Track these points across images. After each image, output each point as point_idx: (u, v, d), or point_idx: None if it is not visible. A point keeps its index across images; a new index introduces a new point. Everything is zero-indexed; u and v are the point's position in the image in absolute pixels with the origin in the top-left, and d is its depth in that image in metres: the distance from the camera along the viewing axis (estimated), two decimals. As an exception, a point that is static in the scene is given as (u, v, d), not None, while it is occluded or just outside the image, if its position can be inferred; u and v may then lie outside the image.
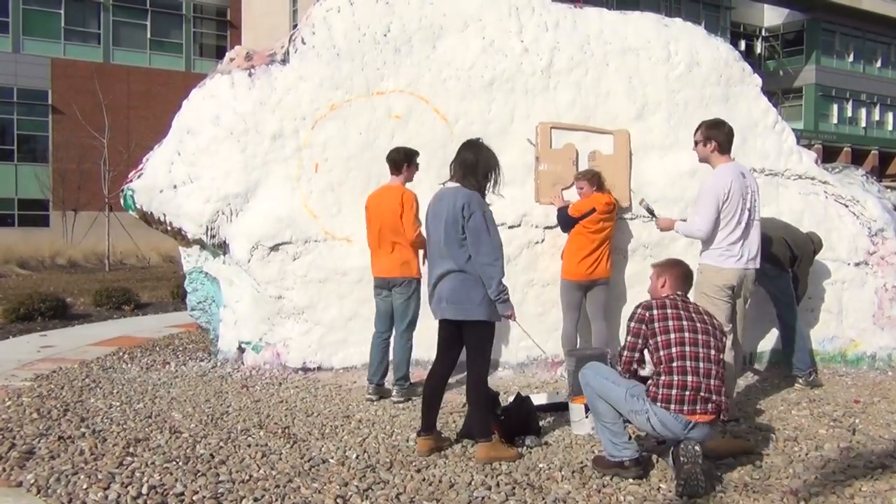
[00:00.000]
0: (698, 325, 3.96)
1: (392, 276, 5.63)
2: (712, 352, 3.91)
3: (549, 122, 6.60)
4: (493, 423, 4.48)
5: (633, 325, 4.03)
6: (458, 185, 4.33)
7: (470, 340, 4.37)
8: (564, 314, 6.21)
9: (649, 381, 3.95)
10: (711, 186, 4.93)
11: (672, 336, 3.89)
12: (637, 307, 4.08)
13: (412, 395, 5.60)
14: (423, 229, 4.73)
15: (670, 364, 3.84)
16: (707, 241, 5.03)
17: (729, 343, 4.98)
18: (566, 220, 6.14)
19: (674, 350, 3.86)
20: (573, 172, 6.47)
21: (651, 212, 5.71)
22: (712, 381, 3.85)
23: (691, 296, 5.16)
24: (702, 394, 3.81)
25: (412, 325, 5.71)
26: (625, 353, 4.06)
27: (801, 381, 6.13)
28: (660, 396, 3.83)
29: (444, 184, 4.47)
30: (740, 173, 5.01)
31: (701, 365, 3.84)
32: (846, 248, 6.91)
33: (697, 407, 3.81)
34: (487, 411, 4.40)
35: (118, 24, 32.94)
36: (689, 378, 3.81)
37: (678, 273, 4.22)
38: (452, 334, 4.42)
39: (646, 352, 4.03)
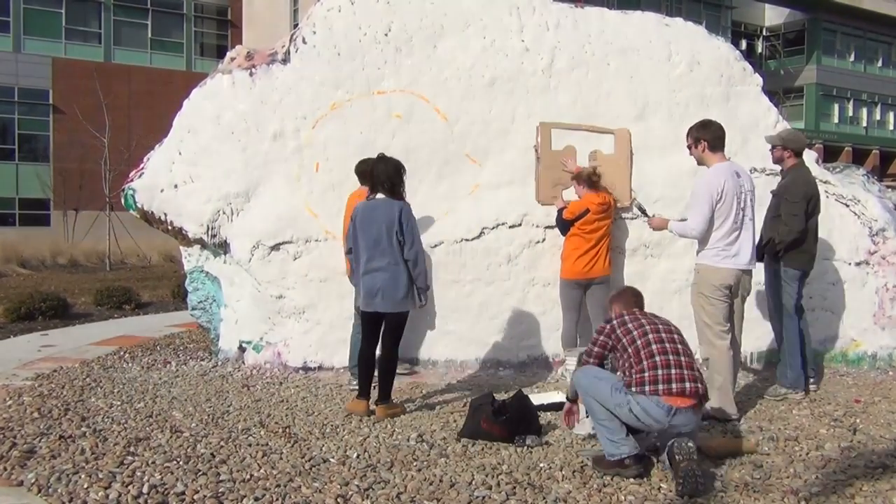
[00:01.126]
0: (658, 323, 4.16)
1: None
2: (675, 336, 4.08)
3: (550, 122, 6.59)
4: (490, 421, 4.54)
5: (593, 335, 4.33)
6: (385, 197, 5.10)
7: (393, 326, 5.17)
8: (564, 314, 6.21)
9: (624, 376, 4.06)
10: (704, 186, 4.95)
11: (634, 334, 4.08)
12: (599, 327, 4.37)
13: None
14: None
15: (639, 355, 3.99)
16: (703, 241, 5.04)
17: (727, 343, 5.00)
18: (561, 224, 6.16)
19: (639, 342, 4.03)
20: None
21: (643, 211, 5.71)
22: (682, 358, 3.98)
23: (689, 296, 5.21)
24: (674, 371, 3.91)
25: None
26: (582, 356, 4.35)
27: (782, 390, 5.80)
28: (634, 381, 3.94)
29: (371, 197, 5.19)
30: (734, 172, 5.01)
31: (668, 346, 4.00)
32: (847, 248, 6.91)
33: (673, 386, 3.88)
34: (393, 378, 5.22)
35: (119, 23, 32.96)
36: (658, 358, 3.95)
37: (625, 298, 4.48)
38: (377, 323, 5.21)
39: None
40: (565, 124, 6.62)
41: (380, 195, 5.15)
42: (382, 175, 5.14)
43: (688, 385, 3.89)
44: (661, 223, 5.41)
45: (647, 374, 3.92)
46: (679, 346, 4.03)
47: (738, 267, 5.00)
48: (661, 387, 3.88)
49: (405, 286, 5.07)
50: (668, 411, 3.86)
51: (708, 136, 5.03)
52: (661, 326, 4.11)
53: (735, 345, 5.12)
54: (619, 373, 4.16)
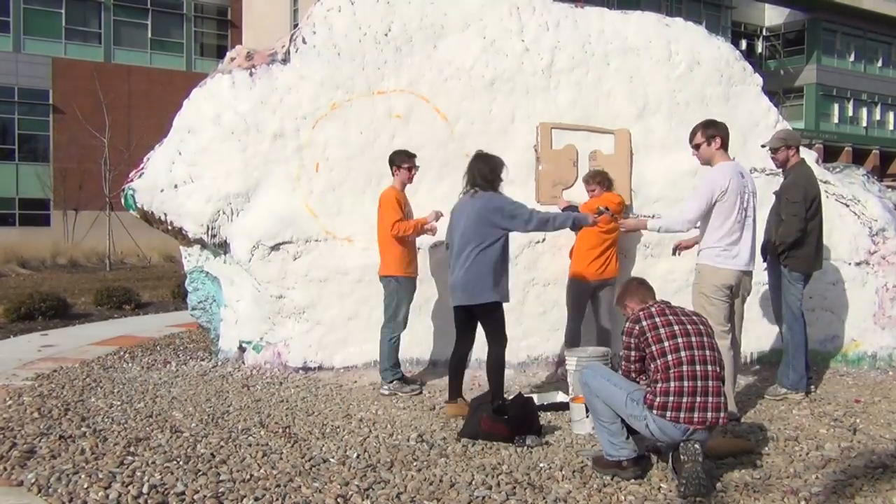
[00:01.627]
0: (689, 326, 3.93)
1: (380, 274, 5.94)
2: (707, 352, 3.88)
3: (550, 122, 6.59)
4: (490, 421, 4.56)
5: (624, 338, 4.05)
6: (478, 191, 5.11)
7: (484, 321, 5.13)
8: (570, 313, 6.17)
9: (647, 388, 3.94)
10: (710, 180, 4.93)
11: (666, 344, 3.87)
12: (626, 321, 4.08)
13: (399, 391, 5.74)
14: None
15: (667, 372, 3.83)
16: (704, 241, 5.03)
17: (728, 343, 4.99)
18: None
19: (670, 358, 3.84)
20: (573, 173, 6.46)
21: (605, 212, 5.61)
22: (710, 383, 3.83)
23: (689, 296, 5.19)
24: (699, 399, 3.79)
25: (391, 321, 5.83)
26: (622, 363, 4.09)
27: (782, 390, 5.85)
28: (656, 404, 3.82)
29: (466, 191, 5.21)
30: (739, 172, 5.01)
31: (698, 368, 3.82)
32: (847, 248, 6.91)
33: (695, 415, 3.79)
34: (501, 376, 5.12)
35: (119, 23, 32.94)
36: (686, 383, 3.79)
37: (637, 292, 4.25)
38: (464, 319, 5.19)
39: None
40: (565, 124, 6.62)
41: (472, 189, 5.15)
42: (477, 171, 5.14)
43: (710, 415, 3.79)
44: (636, 224, 5.40)
45: (671, 400, 3.78)
46: (709, 368, 3.83)
47: (738, 268, 5.00)
48: (683, 414, 3.77)
49: (484, 277, 4.96)
50: (685, 432, 3.80)
51: (723, 134, 5.03)
52: (693, 339, 3.87)
53: (735, 345, 5.12)
54: (639, 374, 4.03)
